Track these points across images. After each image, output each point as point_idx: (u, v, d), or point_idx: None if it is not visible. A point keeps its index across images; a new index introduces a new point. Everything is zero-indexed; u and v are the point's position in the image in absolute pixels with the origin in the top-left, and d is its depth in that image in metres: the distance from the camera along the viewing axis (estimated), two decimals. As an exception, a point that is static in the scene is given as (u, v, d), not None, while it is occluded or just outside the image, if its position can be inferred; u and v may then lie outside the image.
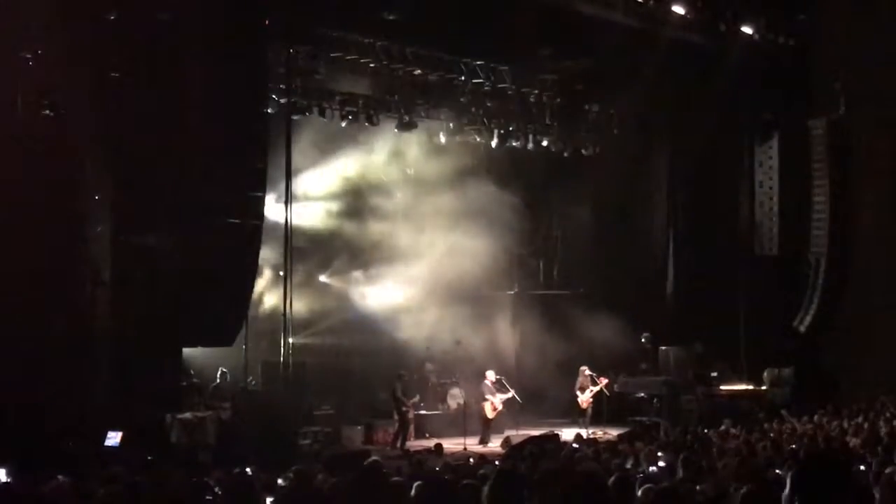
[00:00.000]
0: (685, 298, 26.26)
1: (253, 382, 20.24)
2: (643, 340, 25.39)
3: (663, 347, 24.76)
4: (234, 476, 11.25)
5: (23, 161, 15.99)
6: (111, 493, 8.99)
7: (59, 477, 9.57)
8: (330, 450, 18.98)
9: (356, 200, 24.21)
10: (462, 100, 23.93)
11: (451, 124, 24.06)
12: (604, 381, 22.70)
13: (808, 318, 25.60)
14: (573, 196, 25.33)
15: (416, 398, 22.48)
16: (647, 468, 12.54)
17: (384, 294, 24.02)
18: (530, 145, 25.27)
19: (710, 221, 25.95)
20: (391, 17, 20.90)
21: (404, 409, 21.52)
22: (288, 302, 19.16)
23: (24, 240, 16.04)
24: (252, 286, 18.62)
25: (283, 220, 19.51)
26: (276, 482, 11.03)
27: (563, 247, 26.05)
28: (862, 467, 11.32)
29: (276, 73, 20.10)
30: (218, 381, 20.44)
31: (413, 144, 24.18)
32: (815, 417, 18.44)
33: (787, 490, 4.63)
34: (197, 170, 17.14)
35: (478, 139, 24.79)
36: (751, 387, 24.28)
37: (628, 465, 12.69)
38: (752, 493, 6.97)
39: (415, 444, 21.11)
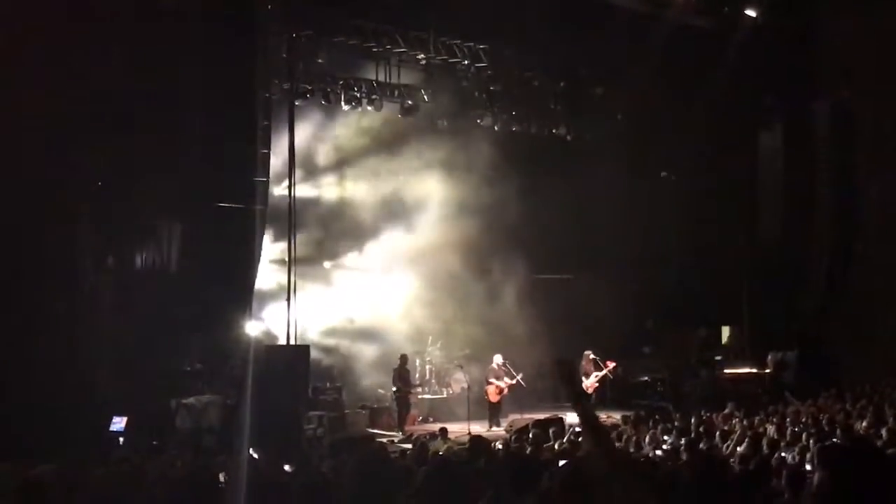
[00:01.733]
0: (689, 283, 26.26)
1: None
2: (647, 324, 25.37)
3: (667, 331, 24.76)
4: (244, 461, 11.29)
5: (25, 148, 15.99)
6: (112, 474, 9.04)
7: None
8: (335, 434, 19.01)
9: (358, 184, 24.18)
10: (465, 84, 23.87)
11: (454, 109, 24.00)
12: (611, 364, 22.71)
13: (813, 302, 25.61)
14: (577, 180, 25.30)
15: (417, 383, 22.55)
16: (652, 451, 12.60)
17: (388, 278, 24.02)
18: (533, 129, 25.22)
19: (714, 205, 25.92)
20: (393, 1, 20.85)
21: (398, 393, 21.50)
22: (292, 286, 19.17)
23: (26, 227, 16.07)
24: (256, 270, 18.65)
25: (286, 204, 19.53)
26: (281, 467, 11.08)
27: (566, 231, 26.01)
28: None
29: (278, 57, 20.07)
30: (231, 367, 20.44)
31: (416, 128, 24.13)
32: (819, 400, 18.46)
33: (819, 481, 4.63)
34: (200, 155, 17.15)
35: (481, 123, 24.74)
36: (755, 370, 24.30)
37: (632, 449, 12.73)
38: (746, 474, 7.00)
39: (419, 428, 21.14)
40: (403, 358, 21.84)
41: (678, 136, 25.93)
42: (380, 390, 22.84)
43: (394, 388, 21.58)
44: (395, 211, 23.99)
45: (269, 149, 18.49)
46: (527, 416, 20.87)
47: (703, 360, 24.59)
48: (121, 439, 15.85)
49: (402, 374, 21.48)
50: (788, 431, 13.70)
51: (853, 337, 24.22)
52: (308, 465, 11.07)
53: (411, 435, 19.84)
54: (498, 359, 22.05)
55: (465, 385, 23.08)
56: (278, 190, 20.86)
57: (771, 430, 13.93)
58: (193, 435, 17.51)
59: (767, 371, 24.09)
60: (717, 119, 24.80)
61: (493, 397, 21.88)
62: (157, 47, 16.96)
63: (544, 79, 25.07)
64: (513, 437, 15.55)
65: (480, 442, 12.76)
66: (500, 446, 13.46)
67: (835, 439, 12.37)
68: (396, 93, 23.01)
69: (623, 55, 23.73)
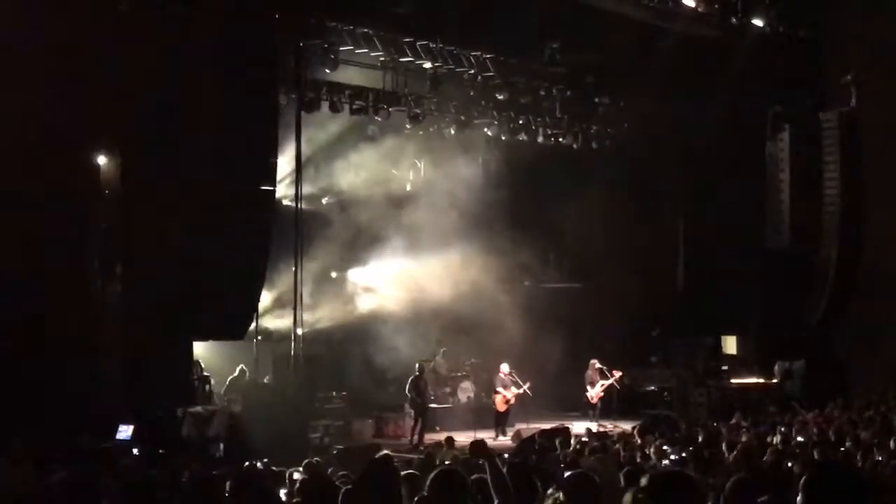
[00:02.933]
0: (696, 292, 26.24)
1: (266, 379, 20.28)
2: (654, 334, 25.35)
3: (674, 341, 24.74)
4: (246, 469, 11.29)
5: (32, 157, 16.04)
6: (125, 486, 9.03)
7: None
8: (341, 443, 19.01)
9: (366, 192, 24.19)
10: (471, 93, 23.90)
11: (461, 117, 24.03)
12: (617, 374, 22.71)
13: (819, 311, 25.56)
14: (583, 189, 25.30)
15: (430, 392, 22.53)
16: (658, 462, 12.58)
17: (394, 286, 24.03)
18: (540, 139, 25.24)
19: (721, 215, 25.91)
20: (400, 11, 20.89)
21: (413, 403, 21.44)
22: (298, 295, 19.18)
23: (35, 235, 16.11)
24: (263, 279, 18.65)
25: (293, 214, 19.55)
26: (288, 475, 11.08)
27: (573, 240, 26.03)
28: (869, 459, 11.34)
29: (285, 67, 20.12)
30: (236, 375, 20.47)
31: (423, 137, 24.17)
32: (826, 410, 18.42)
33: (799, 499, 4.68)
34: (208, 164, 17.17)
35: (487, 132, 24.78)
36: (761, 380, 24.26)
37: (638, 459, 12.71)
38: (745, 481, 6.99)
39: (425, 437, 21.12)
40: (421, 367, 21.72)
41: (685, 146, 25.95)
42: (386, 399, 22.85)
43: (409, 397, 21.44)
44: (401, 219, 23.98)
45: (276, 157, 18.52)
46: (533, 425, 20.87)
47: (710, 370, 24.54)
48: (135, 451, 15.81)
49: (417, 383, 21.35)
50: (794, 441, 13.67)
51: (860, 346, 24.19)
52: (313, 473, 11.06)
53: (418, 444, 19.85)
54: (505, 368, 22.05)
55: (472, 394, 23.12)
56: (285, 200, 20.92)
57: (777, 440, 13.90)
58: (200, 444, 17.52)
59: (774, 381, 24.05)
60: (724, 128, 24.77)
61: (500, 406, 21.87)
62: (165, 55, 16.99)
63: (551, 88, 25.07)
64: (519, 447, 15.54)
65: (481, 447, 12.74)
66: (507, 456, 13.44)
67: (843, 448, 12.36)
68: (403, 102, 23.04)
69: (630, 65, 23.74)
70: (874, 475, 10.09)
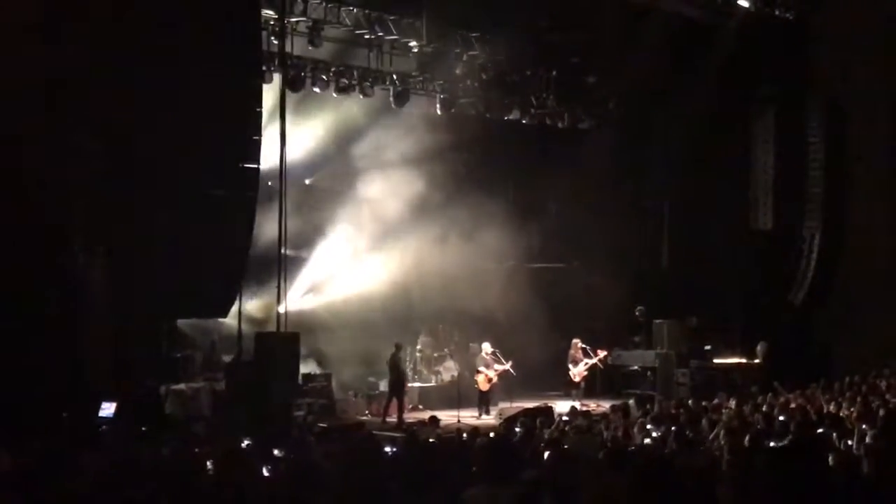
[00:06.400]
0: (680, 272, 26.32)
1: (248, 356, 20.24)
2: (637, 313, 25.43)
3: (657, 320, 24.82)
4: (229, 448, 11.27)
5: (14, 130, 15.92)
6: (104, 460, 9.04)
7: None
8: (324, 422, 19.02)
9: (350, 172, 24.12)
10: (457, 72, 23.80)
11: (446, 96, 23.95)
12: (602, 353, 22.79)
13: (802, 292, 25.68)
14: (569, 169, 25.28)
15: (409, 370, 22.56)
16: (640, 441, 12.65)
17: (379, 266, 23.99)
18: (526, 118, 25.20)
19: (706, 195, 25.95)
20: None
21: (396, 379, 21.45)
22: (282, 274, 19.11)
23: (16, 211, 16.01)
24: (246, 257, 18.58)
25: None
26: (271, 453, 11.08)
27: (558, 220, 26.03)
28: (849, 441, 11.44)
29: (270, 44, 20.00)
30: (209, 351, 20.43)
31: (409, 116, 24.06)
32: (808, 391, 18.51)
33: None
34: (192, 141, 17.08)
35: (473, 112, 24.70)
36: (744, 360, 24.35)
37: (620, 438, 12.77)
38: (737, 464, 7.05)
39: (409, 415, 21.16)
40: (398, 345, 21.72)
41: (671, 126, 25.95)
42: (370, 378, 22.87)
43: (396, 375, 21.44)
44: (386, 198, 23.90)
45: (259, 136, 18.42)
46: (516, 404, 20.95)
47: (693, 350, 24.60)
48: (117, 428, 15.78)
49: (395, 362, 21.34)
50: (777, 421, 13.73)
51: (843, 327, 24.31)
52: (298, 451, 11.06)
53: (401, 423, 19.88)
54: (487, 347, 22.08)
55: (456, 373, 23.17)
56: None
57: (759, 419, 13.97)
58: (183, 422, 17.50)
59: (757, 361, 24.15)
60: (710, 109, 24.77)
61: (483, 386, 21.90)
62: (148, 32, 16.86)
63: (537, 67, 25.00)
64: (503, 426, 15.58)
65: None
66: (491, 434, 13.47)
67: (820, 430, 12.43)
68: (388, 80, 22.95)
69: (617, 44, 23.70)
70: (848, 455, 10.15)
